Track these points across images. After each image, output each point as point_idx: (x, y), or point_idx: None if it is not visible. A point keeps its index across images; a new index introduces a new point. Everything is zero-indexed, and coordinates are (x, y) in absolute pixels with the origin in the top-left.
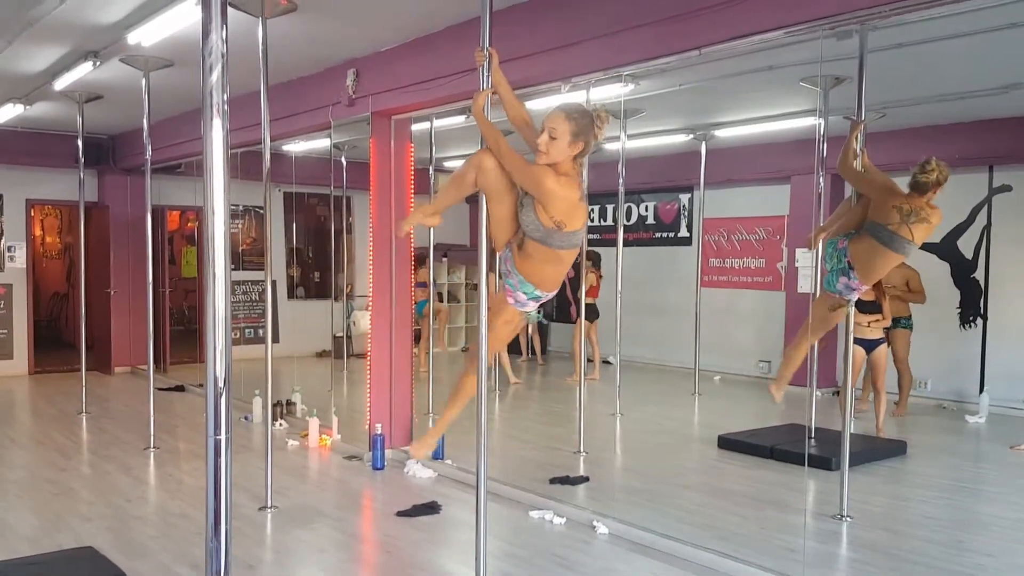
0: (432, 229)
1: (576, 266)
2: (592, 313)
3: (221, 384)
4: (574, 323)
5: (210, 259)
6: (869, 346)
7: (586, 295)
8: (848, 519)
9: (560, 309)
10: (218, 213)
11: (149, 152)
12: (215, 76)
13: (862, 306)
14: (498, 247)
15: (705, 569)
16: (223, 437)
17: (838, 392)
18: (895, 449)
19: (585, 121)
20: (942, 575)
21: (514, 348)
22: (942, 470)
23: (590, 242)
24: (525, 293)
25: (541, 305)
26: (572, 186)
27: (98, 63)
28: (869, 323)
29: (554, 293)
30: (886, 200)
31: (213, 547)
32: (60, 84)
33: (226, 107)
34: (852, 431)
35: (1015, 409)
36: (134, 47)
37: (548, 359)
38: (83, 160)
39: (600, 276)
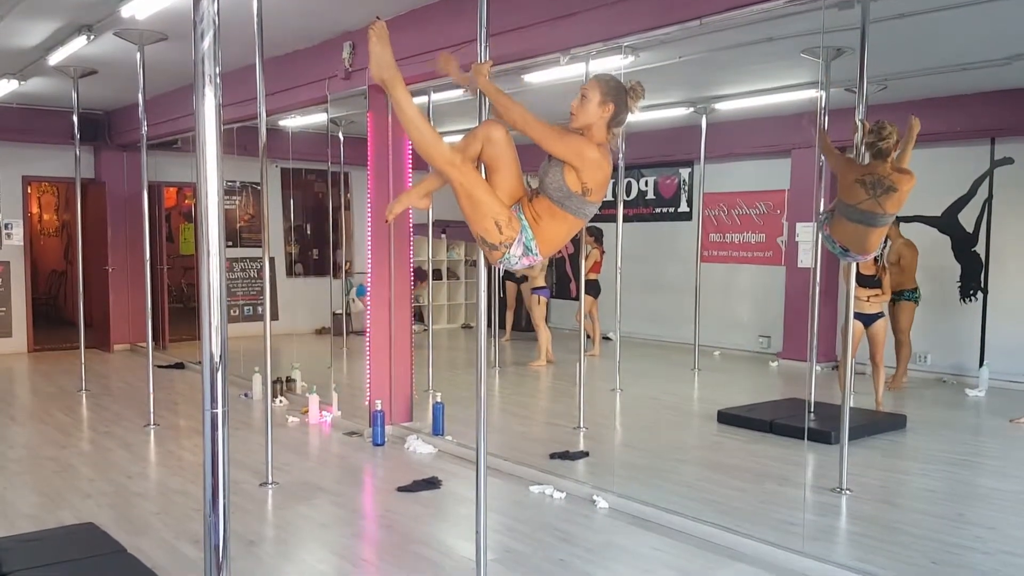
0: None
1: (576, 242)
2: (594, 289)
3: (217, 358)
4: (575, 299)
5: (204, 231)
6: (868, 320)
7: (589, 271)
8: (848, 492)
9: (560, 286)
10: (211, 186)
11: (145, 128)
12: (207, 43)
13: (862, 280)
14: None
15: (705, 542)
16: (220, 410)
17: (837, 366)
18: (895, 423)
19: (615, 85)
20: (941, 548)
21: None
22: (942, 443)
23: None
24: (525, 244)
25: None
26: (608, 157)
27: (92, 37)
28: (868, 298)
29: (543, 259)
30: (848, 175)
31: (212, 521)
32: (54, 59)
33: (219, 78)
34: (851, 405)
35: (1015, 383)
36: (128, 20)
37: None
38: (79, 136)
39: (603, 252)
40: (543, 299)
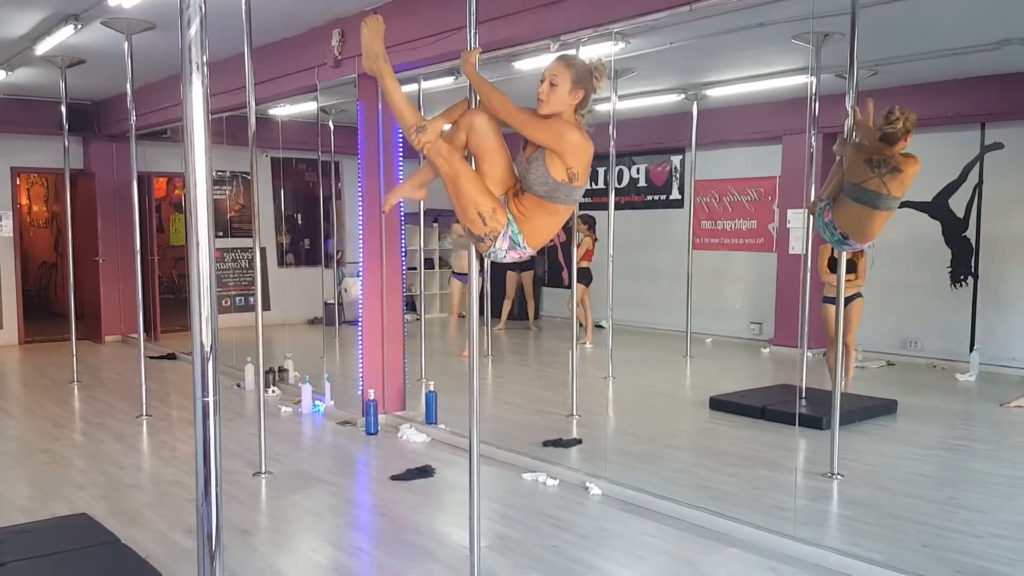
0: None
1: (568, 230)
2: (586, 277)
3: (208, 348)
4: (567, 288)
5: (193, 221)
6: (844, 303)
7: (582, 259)
8: (839, 477)
9: (552, 274)
10: (200, 176)
11: (134, 118)
12: (193, 31)
13: (837, 265)
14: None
15: (697, 528)
16: (211, 399)
17: (826, 352)
18: (886, 408)
19: (583, 68)
20: (932, 531)
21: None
22: (932, 428)
23: (582, 205)
24: (511, 238)
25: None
26: (588, 137)
27: (79, 26)
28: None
29: (533, 252)
30: (858, 155)
31: (204, 510)
32: (41, 49)
33: (206, 67)
34: (842, 390)
35: (1005, 367)
36: (115, 9)
37: (540, 324)
38: (67, 127)
39: (596, 239)
40: (463, 284)
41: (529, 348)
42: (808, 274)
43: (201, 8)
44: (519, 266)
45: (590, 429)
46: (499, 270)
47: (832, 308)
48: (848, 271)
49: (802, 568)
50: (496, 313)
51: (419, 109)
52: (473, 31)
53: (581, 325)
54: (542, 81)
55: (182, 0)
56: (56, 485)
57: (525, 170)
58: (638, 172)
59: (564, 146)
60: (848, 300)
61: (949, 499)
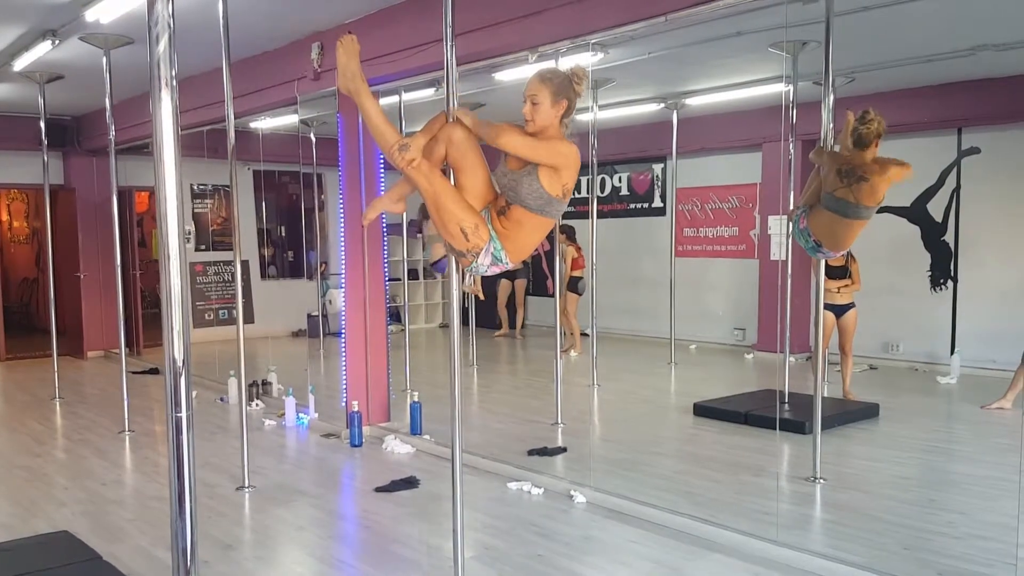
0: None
1: (551, 239)
2: (578, 286)
3: (180, 363)
4: (551, 296)
5: (164, 234)
6: (839, 311)
7: (573, 269)
8: (821, 481)
9: (536, 283)
10: (170, 191)
11: (113, 132)
12: (162, 47)
13: (831, 272)
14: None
15: (681, 534)
16: (184, 414)
17: (811, 357)
18: (867, 411)
19: (561, 79)
20: (913, 533)
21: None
22: (914, 431)
23: (566, 214)
24: (494, 254)
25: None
26: (577, 150)
27: (57, 42)
28: (838, 288)
29: (513, 265)
30: (832, 164)
31: (178, 526)
32: (19, 64)
33: (175, 81)
34: (825, 395)
35: (986, 369)
36: (93, 24)
37: (525, 332)
38: (46, 142)
39: (579, 248)
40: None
41: (514, 357)
42: (790, 280)
43: (169, 25)
44: (511, 275)
45: (575, 437)
46: (492, 279)
47: (830, 316)
48: (841, 276)
49: (785, 572)
50: (486, 323)
51: (400, 120)
52: (450, 43)
53: (570, 333)
54: (523, 101)
55: (150, 16)
56: (37, 502)
57: (513, 183)
58: (620, 180)
59: (560, 164)
60: (845, 309)
61: (930, 501)
